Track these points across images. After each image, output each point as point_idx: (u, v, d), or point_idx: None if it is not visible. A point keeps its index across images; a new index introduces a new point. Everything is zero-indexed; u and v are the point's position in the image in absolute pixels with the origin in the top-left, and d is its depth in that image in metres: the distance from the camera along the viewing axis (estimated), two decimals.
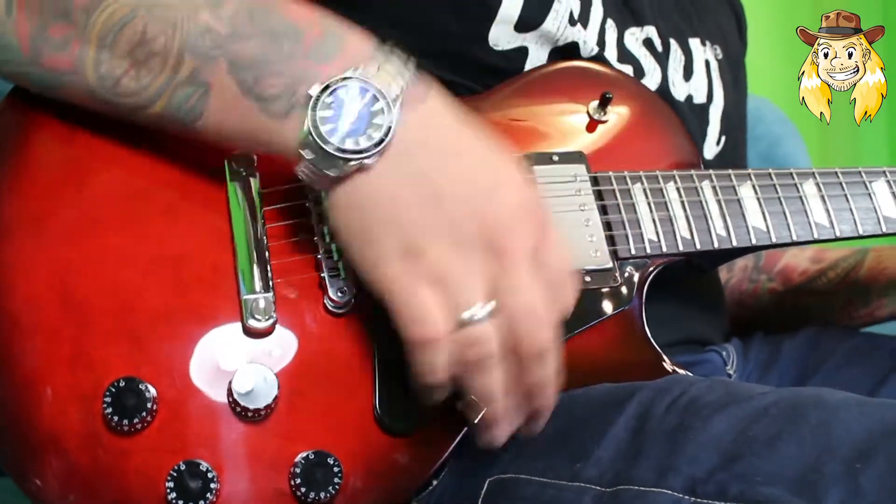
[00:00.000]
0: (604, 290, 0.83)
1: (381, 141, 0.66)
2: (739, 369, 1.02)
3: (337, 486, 0.70)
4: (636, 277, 0.84)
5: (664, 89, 1.00)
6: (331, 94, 0.67)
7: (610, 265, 0.83)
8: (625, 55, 0.97)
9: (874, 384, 0.99)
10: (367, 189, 0.67)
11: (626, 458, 0.68)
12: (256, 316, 0.72)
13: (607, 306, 0.83)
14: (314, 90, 0.67)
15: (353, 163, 0.67)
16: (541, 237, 0.67)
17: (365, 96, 0.67)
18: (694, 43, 1.04)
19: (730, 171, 0.90)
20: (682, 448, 0.66)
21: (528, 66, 0.92)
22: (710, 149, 1.04)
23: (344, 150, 0.66)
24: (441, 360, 0.66)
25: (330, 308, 0.75)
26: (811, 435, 0.64)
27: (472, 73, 0.92)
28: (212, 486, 0.69)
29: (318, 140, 0.67)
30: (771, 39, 1.22)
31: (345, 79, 0.67)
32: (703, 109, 1.03)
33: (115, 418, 0.69)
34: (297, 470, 0.70)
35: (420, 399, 0.70)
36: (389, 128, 0.66)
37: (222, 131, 0.72)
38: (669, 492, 0.64)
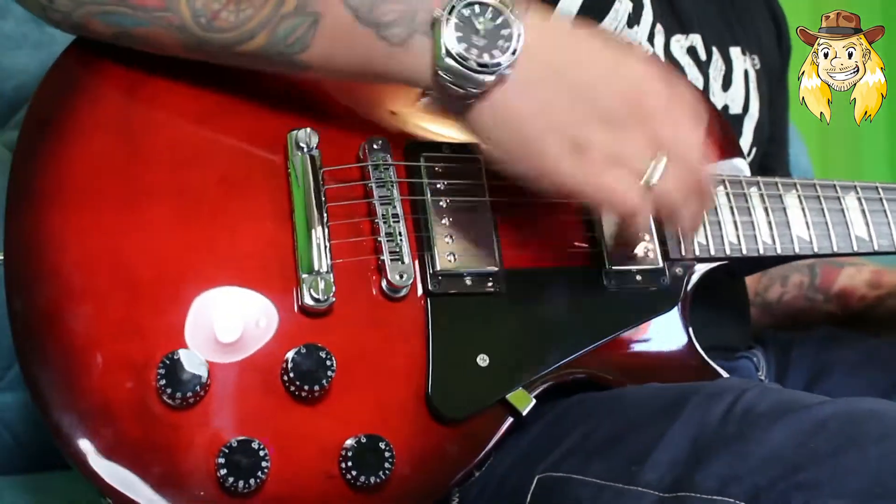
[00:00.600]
0: (653, 289, 0.83)
1: (515, 50, 0.69)
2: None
3: (388, 472, 0.70)
4: (684, 279, 0.84)
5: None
6: (454, 16, 0.68)
7: (660, 265, 0.83)
8: (670, 62, 0.97)
9: (887, 388, 1.00)
10: (512, 100, 0.70)
11: (685, 464, 0.68)
12: (314, 295, 0.71)
13: (655, 306, 0.83)
14: (438, 12, 0.69)
15: (493, 76, 0.69)
16: (668, 83, 0.73)
17: (486, 11, 0.69)
18: (735, 52, 1.04)
19: (776, 179, 0.90)
20: (744, 457, 0.66)
21: None
22: None
23: (483, 65, 0.68)
24: (646, 219, 0.77)
25: (387, 291, 0.74)
26: (873, 449, 0.64)
27: None
28: (263, 464, 0.68)
29: (456, 59, 0.68)
30: None
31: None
32: (738, 120, 1.04)
33: (169, 391, 0.67)
34: (349, 453, 0.70)
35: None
36: (519, 35, 0.69)
37: (331, 62, 0.72)
38: (733, 500, 0.64)
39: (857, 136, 2.20)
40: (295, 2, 0.69)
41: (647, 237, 0.83)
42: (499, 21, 0.69)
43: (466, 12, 0.69)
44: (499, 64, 0.69)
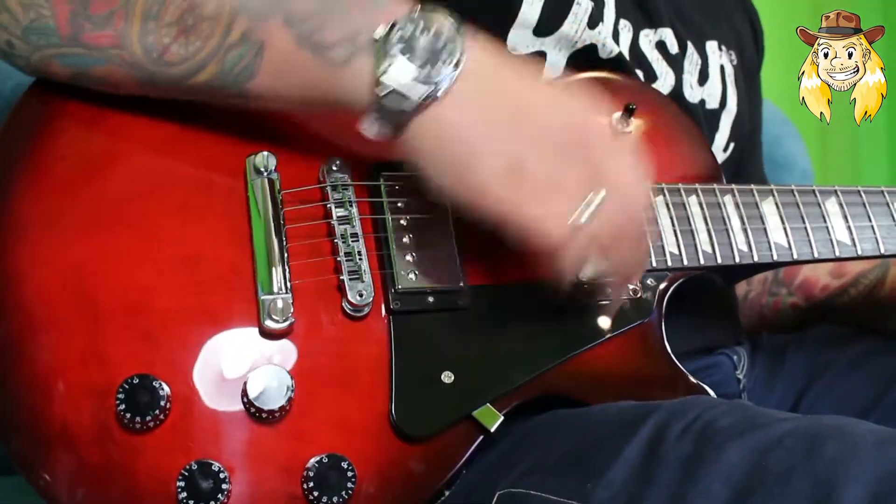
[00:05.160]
0: (624, 301, 0.82)
1: (456, 65, 0.68)
2: (748, 374, 1.01)
3: (350, 491, 0.69)
4: (657, 290, 0.83)
5: (677, 93, 0.99)
6: (396, 32, 0.69)
7: None
8: (637, 58, 0.96)
9: (883, 387, 0.98)
10: (451, 117, 0.69)
11: (638, 483, 0.66)
12: (273, 317, 0.71)
13: (627, 318, 0.82)
14: (379, 32, 0.69)
15: (431, 92, 0.68)
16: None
17: (429, 32, 0.68)
18: (711, 46, 1.04)
19: (752, 186, 0.89)
20: (695, 478, 0.64)
21: (545, 71, 0.91)
22: (718, 154, 1.03)
23: (423, 81, 0.68)
24: (569, 263, 0.71)
25: (348, 311, 0.74)
26: (825, 470, 0.62)
27: None
28: (223, 486, 0.68)
29: (395, 75, 0.68)
30: (771, 39, 1.22)
31: (409, 18, 0.69)
32: (715, 115, 1.03)
33: (128, 415, 0.68)
34: (311, 473, 0.69)
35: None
36: (461, 54, 0.69)
37: (277, 89, 0.72)
38: None
39: (857, 136, 2.18)
40: (240, 31, 0.71)
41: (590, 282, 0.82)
42: (441, 41, 0.69)
43: (408, 31, 0.69)
44: (439, 79, 0.68)
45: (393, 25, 0.69)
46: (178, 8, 0.70)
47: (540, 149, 0.69)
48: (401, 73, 0.68)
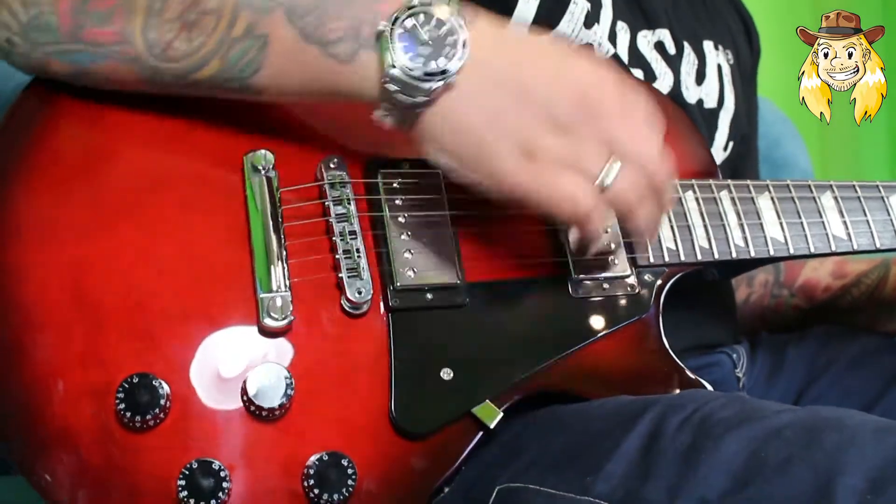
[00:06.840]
0: (621, 297, 0.82)
1: (462, 56, 0.69)
2: (748, 372, 1.01)
3: (350, 489, 0.70)
4: (654, 286, 0.83)
5: (676, 93, 0.99)
6: (399, 25, 0.69)
7: (628, 272, 0.82)
8: (636, 58, 0.97)
9: (883, 385, 0.98)
10: (461, 107, 0.70)
11: (637, 476, 0.67)
12: (272, 315, 0.71)
13: (624, 314, 0.82)
14: (382, 25, 0.69)
15: (441, 83, 0.69)
16: (620, 84, 0.73)
17: (431, 22, 0.70)
18: (708, 46, 1.04)
19: (748, 182, 0.90)
20: (694, 469, 0.65)
21: None
22: (718, 154, 1.03)
23: (430, 73, 0.69)
24: (599, 222, 0.73)
25: (347, 309, 0.74)
26: (824, 460, 0.62)
27: None
28: (224, 485, 0.68)
29: (402, 69, 0.69)
30: (771, 39, 1.22)
31: (409, 8, 0.69)
32: (713, 114, 1.03)
33: (128, 414, 0.68)
34: (311, 471, 0.70)
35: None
36: (465, 42, 0.69)
37: (282, 83, 0.73)
38: None
39: (857, 136, 2.19)
40: (244, 26, 0.71)
41: (613, 245, 0.82)
42: (444, 29, 0.69)
43: (410, 23, 0.69)
44: (445, 71, 0.69)
45: (396, 19, 0.69)
46: (180, 3, 0.70)
47: (552, 128, 0.70)
48: (407, 67, 0.69)
